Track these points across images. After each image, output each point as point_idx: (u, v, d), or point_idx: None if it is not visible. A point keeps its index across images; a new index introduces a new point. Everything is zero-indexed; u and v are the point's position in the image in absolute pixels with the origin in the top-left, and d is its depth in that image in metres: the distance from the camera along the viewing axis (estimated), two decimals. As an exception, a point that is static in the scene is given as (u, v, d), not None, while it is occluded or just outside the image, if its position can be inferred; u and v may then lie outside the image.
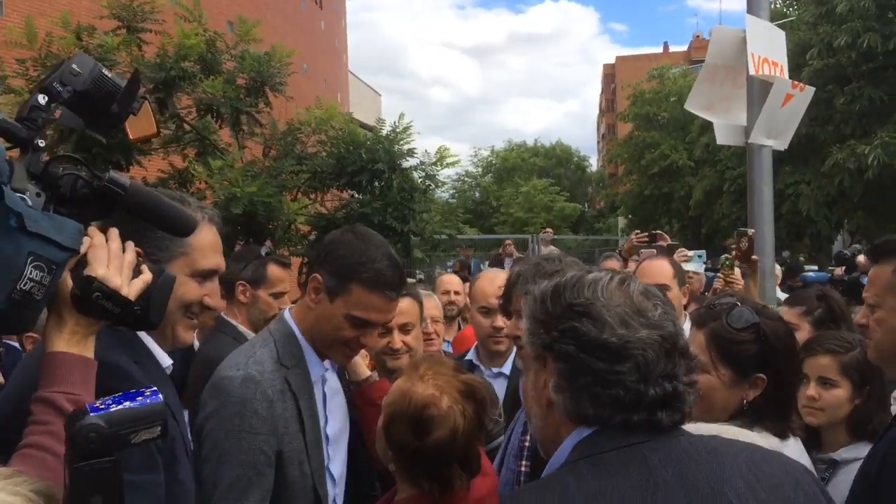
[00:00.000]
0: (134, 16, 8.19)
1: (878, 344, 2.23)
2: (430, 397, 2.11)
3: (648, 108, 32.77)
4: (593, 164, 67.68)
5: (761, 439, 2.13)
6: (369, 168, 8.14)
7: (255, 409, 2.23)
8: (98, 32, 8.13)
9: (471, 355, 3.71)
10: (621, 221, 42.11)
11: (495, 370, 3.57)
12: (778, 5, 18.71)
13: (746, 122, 6.44)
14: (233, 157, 8.18)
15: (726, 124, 6.68)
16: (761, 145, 6.44)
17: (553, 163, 56.10)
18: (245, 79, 8.39)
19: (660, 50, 71.61)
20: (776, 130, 6.43)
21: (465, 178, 53.19)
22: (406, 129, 8.47)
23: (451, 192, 48.21)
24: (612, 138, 49.57)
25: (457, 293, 5.65)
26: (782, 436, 2.18)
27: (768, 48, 6.46)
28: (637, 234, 6.62)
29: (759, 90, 6.34)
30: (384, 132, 8.71)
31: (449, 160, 8.72)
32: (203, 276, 2.02)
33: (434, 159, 8.73)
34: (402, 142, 8.42)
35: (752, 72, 6.24)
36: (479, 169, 55.07)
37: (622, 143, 35.82)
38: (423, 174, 8.68)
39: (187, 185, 8.59)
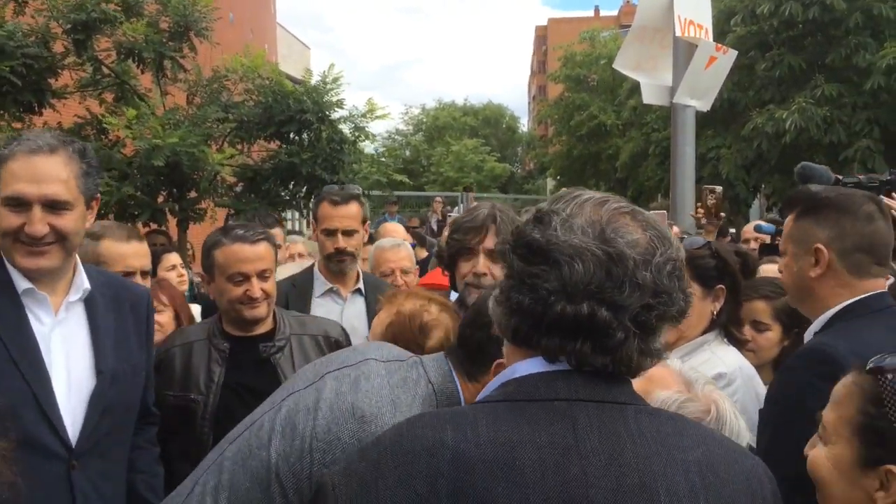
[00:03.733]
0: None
1: (787, 289, 2.40)
2: (420, 307, 2.33)
3: (579, 70, 32.99)
4: (524, 125, 68.02)
5: (718, 351, 2.50)
6: (297, 119, 8.00)
7: None
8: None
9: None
10: (550, 183, 42.56)
11: None
12: (705, -29, 18.99)
13: (672, 82, 6.60)
14: (154, 104, 7.91)
15: (653, 84, 6.83)
16: (685, 105, 6.62)
17: (483, 123, 56.07)
18: (169, 22, 8.09)
19: (591, 14, 71.98)
20: (700, 91, 6.60)
21: (396, 136, 52.74)
22: (336, 79, 8.33)
23: (382, 149, 47.75)
24: (543, 99, 49.85)
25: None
26: (737, 344, 2.60)
27: (694, 11, 6.60)
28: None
29: (684, 52, 6.49)
30: (313, 82, 8.56)
31: (378, 113, 8.64)
32: (15, 203, 2.11)
33: (363, 111, 8.64)
34: (331, 93, 8.29)
35: (678, 33, 6.38)
36: (410, 127, 54.66)
37: (553, 105, 36.05)
38: (353, 126, 8.58)
39: (106, 132, 8.29)
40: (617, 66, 6.95)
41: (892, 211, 3.00)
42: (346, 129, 8.48)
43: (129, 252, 3.09)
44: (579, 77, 33.08)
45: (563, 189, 1.32)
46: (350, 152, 8.32)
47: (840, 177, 3.45)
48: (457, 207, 17.49)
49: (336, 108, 8.31)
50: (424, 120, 54.44)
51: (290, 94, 8.11)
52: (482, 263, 2.77)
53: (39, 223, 2.10)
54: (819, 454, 1.54)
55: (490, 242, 2.74)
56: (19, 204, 2.11)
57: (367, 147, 10.81)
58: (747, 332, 2.91)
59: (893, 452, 1.41)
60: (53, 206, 2.13)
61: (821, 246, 2.21)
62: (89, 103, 8.55)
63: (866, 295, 2.20)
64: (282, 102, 8.02)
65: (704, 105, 6.73)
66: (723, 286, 2.58)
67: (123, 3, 7.83)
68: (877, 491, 1.43)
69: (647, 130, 22.53)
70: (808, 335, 2.35)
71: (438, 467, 1.14)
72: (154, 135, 7.17)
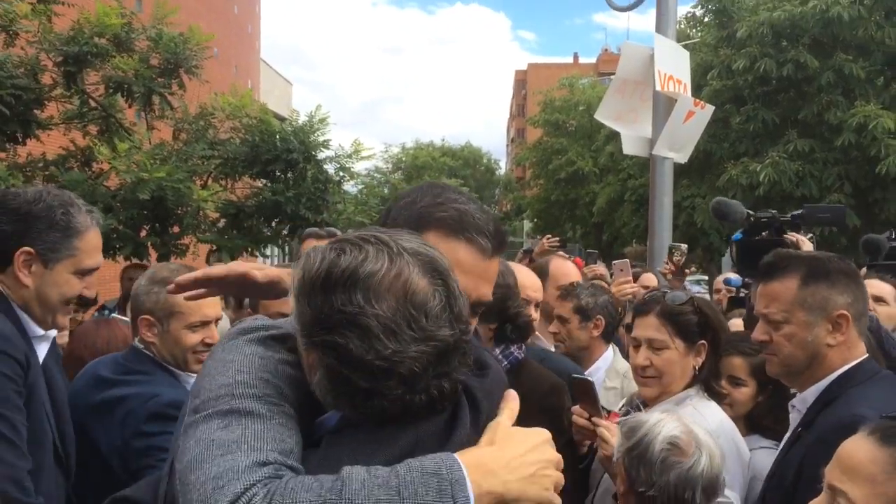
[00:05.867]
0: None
1: (787, 359, 2.26)
2: None
3: (558, 116, 33.54)
4: (502, 167, 68.67)
5: (700, 406, 2.54)
6: (283, 157, 8.08)
7: None
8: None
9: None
10: (527, 225, 42.90)
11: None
12: (682, 26, 19.56)
13: (651, 134, 6.78)
14: (140, 139, 7.96)
15: (633, 135, 7.01)
16: (664, 157, 6.80)
17: (462, 164, 56.62)
18: (159, 59, 8.18)
19: (570, 60, 73.33)
20: (678, 144, 6.79)
21: (375, 175, 52.99)
22: (322, 120, 8.44)
23: (361, 187, 47.89)
24: (522, 142, 50.45)
25: None
26: (717, 398, 2.65)
27: (674, 66, 6.81)
28: (549, 237, 6.18)
29: (664, 105, 6.68)
30: (299, 121, 8.66)
31: (364, 153, 8.76)
32: (85, 273, 2.26)
33: (349, 152, 8.75)
34: (317, 132, 8.39)
35: (658, 87, 6.57)
36: (389, 165, 54.99)
37: (531, 148, 36.52)
38: (338, 166, 8.68)
39: (90, 164, 8.30)
40: (599, 116, 7.12)
41: (803, 245, 3.14)
42: (330, 168, 8.58)
43: (205, 301, 2.81)
44: (558, 122, 33.60)
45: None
46: (334, 192, 8.41)
47: (752, 212, 3.51)
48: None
49: (322, 149, 8.42)
50: (404, 159, 54.82)
51: (277, 132, 8.21)
52: None
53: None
54: None
55: None
56: (87, 274, 2.28)
57: (350, 186, 10.89)
58: (724, 386, 2.94)
59: None
60: None
61: (846, 312, 2.17)
62: (73, 135, 8.57)
63: (859, 361, 2.21)
64: (268, 141, 8.11)
65: (682, 157, 6.92)
66: (705, 342, 2.62)
67: (115, 37, 7.91)
68: None
69: (623, 177, 22.89)
70: (800, 403, 2.29)
71: None
72: (141, 168, 7.20)
